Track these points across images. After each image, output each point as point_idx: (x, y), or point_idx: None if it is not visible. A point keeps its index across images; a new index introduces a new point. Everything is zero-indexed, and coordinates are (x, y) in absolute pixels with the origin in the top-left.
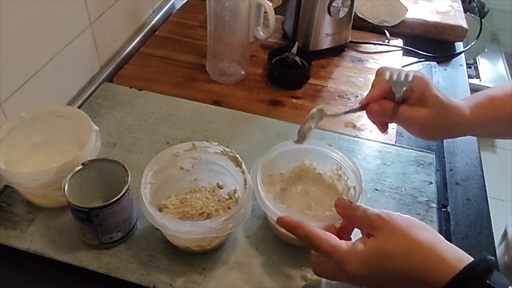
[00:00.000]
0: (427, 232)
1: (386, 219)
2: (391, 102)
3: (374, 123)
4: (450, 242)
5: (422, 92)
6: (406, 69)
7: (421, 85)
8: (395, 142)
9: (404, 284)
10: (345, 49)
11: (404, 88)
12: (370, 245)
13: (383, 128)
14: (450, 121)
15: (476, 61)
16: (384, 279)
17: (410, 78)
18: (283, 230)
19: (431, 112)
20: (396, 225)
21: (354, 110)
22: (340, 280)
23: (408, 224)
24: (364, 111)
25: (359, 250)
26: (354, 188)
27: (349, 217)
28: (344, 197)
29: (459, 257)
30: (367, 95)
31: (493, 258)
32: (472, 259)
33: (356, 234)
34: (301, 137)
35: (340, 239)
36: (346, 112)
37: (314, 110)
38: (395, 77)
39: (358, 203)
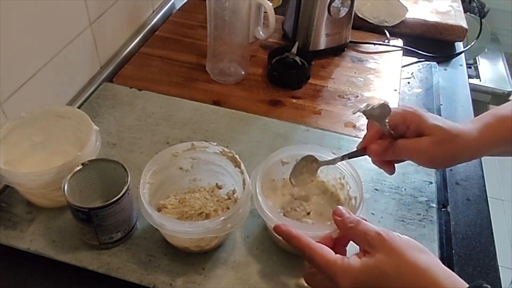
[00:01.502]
0: (424, 255)
1: (385, 238)
2: (389, 139)
3: (380, 166)
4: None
5: (418, 125)
6: (407, 69)
7: (414, 119)
8: None
9: None
10: (345, 49)
11: (387, 120)
12: (365, 263)
13: (390, 169)
14: (457, 146)
15: (476, 61)
16: None
17: (376, 108)
18: (280, 238)
19: (434, 140)
20: (394, 245)
21: (352, 155)
22: None
23: (406, 245)
24: (365, 155)
25: (353, 266)
26: (355, 198)
27: (346, 229)
28: (345, 207)
29: (454, 283)
30: (363, 138)
31: (488, 286)
32: (467, 285)
33: (352, 245)
34: (293, 183)
35: (335, 250)
36: (343, 158)
37: (302, 156)
38: (362, 107)
39: (357, 213)
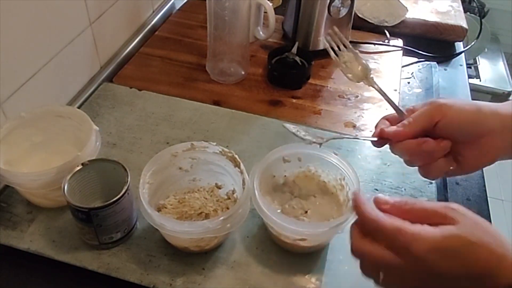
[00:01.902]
0: (498, 231)
1: (463, 212)
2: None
3: (426, 174)
4: None
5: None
6: (407, 69)
7: (419, 105)
8: None
9: (475, 279)
10: None
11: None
12: (448, 230)
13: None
14: (473, 103)
15: (476, 61)
16: (458, 268)
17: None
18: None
19: (445, 99)
20: (475, 218)
21: (366, 139)
22: (382, 265)
23: (483, 220)
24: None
25: (432, 233)
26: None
27: (404, 212)
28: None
29: None
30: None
31: None
32: None
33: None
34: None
35: None
36: (363, 138)
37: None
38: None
39: (353, 215)
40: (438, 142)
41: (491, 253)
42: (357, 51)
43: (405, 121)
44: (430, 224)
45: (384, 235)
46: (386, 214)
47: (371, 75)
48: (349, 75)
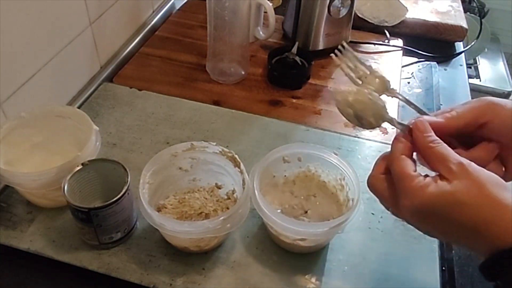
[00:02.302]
0: (508, 193)
1: (468, 168)
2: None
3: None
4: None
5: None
6: (407, 69)
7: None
8: None
9: (462, 237)
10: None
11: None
12: (441, 187)
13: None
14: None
15: (476, 61)
16: (442, 225)
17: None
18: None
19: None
20: (476, 176)
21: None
22: (386, 205)
23: (490, 180)
24: None
25: (426, 189)
26: (353, 200)
27: (424, 148)
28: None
29: None
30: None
31: None
32: None
33: None
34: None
35: None
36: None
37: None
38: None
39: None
40: (485, 146)
41: (480, 213)
42: (370, 64)
43: (447, 114)
44: (437, 170)
45: (392, 173)
46: (407, 158)
47: (392, 86)
48: (366, 91)
